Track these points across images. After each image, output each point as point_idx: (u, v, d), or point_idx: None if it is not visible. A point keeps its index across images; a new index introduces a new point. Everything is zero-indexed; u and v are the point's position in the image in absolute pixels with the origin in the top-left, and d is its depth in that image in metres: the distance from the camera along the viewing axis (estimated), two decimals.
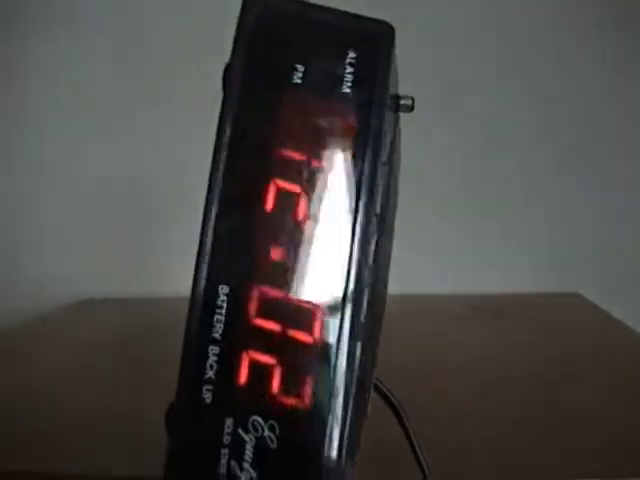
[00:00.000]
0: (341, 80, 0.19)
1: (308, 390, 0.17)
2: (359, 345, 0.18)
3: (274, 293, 0.18)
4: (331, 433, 0.17)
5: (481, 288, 0.75)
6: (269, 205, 0.18)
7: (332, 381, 0.17)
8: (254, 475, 0.17)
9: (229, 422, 0.17)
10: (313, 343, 0.18)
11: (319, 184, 0.18)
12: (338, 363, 0.17)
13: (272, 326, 0.18)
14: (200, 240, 0.18)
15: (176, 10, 0.76)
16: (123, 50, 0.77)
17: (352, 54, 0.19)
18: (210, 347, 0.18)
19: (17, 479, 0.35)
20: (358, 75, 0.19)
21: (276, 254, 0.18)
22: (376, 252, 0.19)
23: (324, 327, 0.18)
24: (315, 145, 0.18)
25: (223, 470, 0.17)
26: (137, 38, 0.77)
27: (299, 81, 0.19)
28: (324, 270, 0.18)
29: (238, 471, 0.17)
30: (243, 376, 0.17)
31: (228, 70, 0.19)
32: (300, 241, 0.18)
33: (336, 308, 0.18)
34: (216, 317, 0.18)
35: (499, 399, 0.44)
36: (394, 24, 0.20)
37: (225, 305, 0.18)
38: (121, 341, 0.62)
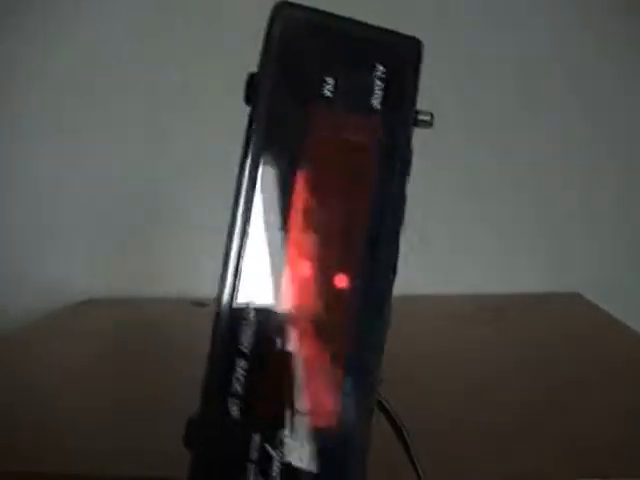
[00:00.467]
0: (371, 94, 0.18)
1: (336, 409, 0.17)
2: (382, 358, 0.18)
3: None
4: (358, 452, 0.17)
5: (481, 288, 0.75)
6: (299, 222, 0.18)
7: (360, 399, 0.17)
8: None
9: (256, 437, 0.17)
10: (341, 360, 0.18)
11: (345, 201, 0.18)
12: (360, 381, 0.18)
13: None
14: (225, 251, 0.18)
15: (183, 9, 0.76)
16: (128, 50, 0.77)
17: (381, 68, 0.19)
18: (237, 360, 0.17)
19: (17, 479, 0.35)
20: (387, 90, 0.19)
21: (303, 268, 0.18)
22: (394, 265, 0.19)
23: (353, 343, 0.18)
24: (343, 160, 0.18)
25: None
26: (145, 39, 0.77)
27: (330, 94, 0.18)
28: (352, 286, 0.18)
29: None
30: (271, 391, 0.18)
31: (256, 80, 0.19)
32: (327, 257, 0.18)
33: (363, 325, 0.18)
34: (243, 329, 0.18)
35: (499, 399, 0.44)
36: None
37: (253, 317, 0.18)
38: (121, 341, 0.62)
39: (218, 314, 0.18)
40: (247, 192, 0.18)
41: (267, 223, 0.18)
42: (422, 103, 0.20)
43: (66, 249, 0.79)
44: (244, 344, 0.17)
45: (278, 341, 0.18)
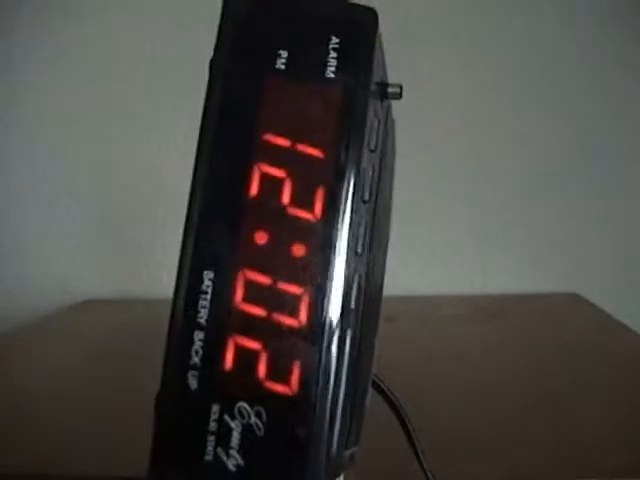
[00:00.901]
0: (325, 65, 0.19)
1: (295, 376, 0.17)
2: (349, 332, 0.18)
3: (259, 278, 0.18)
4: (319, 420, 0.17)
5: (482, 288, 0.75)
6: (254, 190, 0.18)
7: (321, 367, 0.17)
8: (241, 462, 0.17)
9: (215, 408, 0.17)
10: (300, 328, 0.17)
11: (304, 169, 0.18)
12: (327, 349, 0.17)
13: (258, 311, 0.17)
14: (185, 226, 0.18)
15: (172, 8, 0.76)
16: (118, 48, 0.77)
17: (335, 39, 0.19)
18: (195, 333, 0.17)
19: (17, 479, 0.35)
20: (342, 60, 0.19)
21: (261, 239, 0.18)
22: (367, 240, 0.19)
23: (311, 312, 0.17)
24: (299, 130, 0.18)
25: (210, 457, 0.17)
26: (135, 35, 0.77)
27: (282, 67, 0.19)
28: (310, 255, 0.18)
29: (225, 458, 0.17)
30: (229, 362, 0.17)
31: (212, 57, 0.19)
32: (285, 226, 0.18)
33: (323, 293, 0.17)
34: (201, 302, 0.18)
35: (499, 399, 0.44)
36: None
37: (210, 290, 0.18)
38: (121, 341, 0.62)
39: (177, 285, 0.18)
40: (206, 165, 0.18)
41: (224, 194, 0.18)
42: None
43: (66, 249, 0.79)
44: (201, 314, 0.17)
45: (234, 310, 0.17)
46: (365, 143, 0.19)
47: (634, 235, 0.74)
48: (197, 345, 0.17)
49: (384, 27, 0.20)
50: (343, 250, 0.18)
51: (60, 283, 0.79)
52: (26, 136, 0.79)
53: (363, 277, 0.19)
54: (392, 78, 0.22)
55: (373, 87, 0.19)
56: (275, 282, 0.18)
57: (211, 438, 0.17)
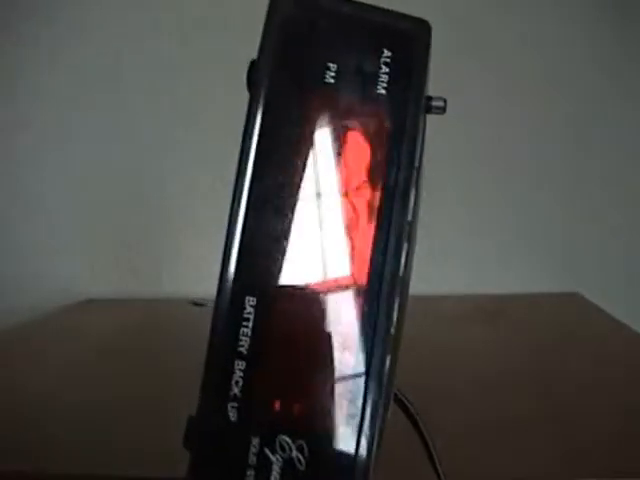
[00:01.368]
0: (375, 80, 0.18)
1: (338, 411, 0.17)
2: (388, 359, 0.17)
3: None
4: (361, 456, 0.16)
5: (481, 288, 0.75)
6: (303, 216, 0.17)
7: (363, 401, 0.17)
8: None
9: (255, 441, 0.16)
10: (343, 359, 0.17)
11: (351, 191, 0.17)
12: (369, 382, 0.17)
13: None
14: (224, 249, 0.17)
15: (178, 10, 0.76)
16: (124, 47, 0.77)
17: (387, 53, 0.18)
18: (236, 362, 0.17)
19: (18, 479, 0.35)
20: (393, 75, 0.18)
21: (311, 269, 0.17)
22: (406, 262, 0.18)
23: (354, 343, 0.17)
24: (347, 148, 0.17)
25: None
26: (139, 38, 0.77)
27: (332, 80, 0.17)
28: (351, 274, 0.17)
29: None
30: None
31: (255, 68, 0.18)
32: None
33: (368, 326, 0.17)
34: (242, 330, 0.17)
35: (499, 399, 0.43)
36: None
37: (252, 317, 0.17)
38: (121, 341, 0.62)
39: (216, 312, 0.17)
40: (247, 186, 0.17)
41: (268, 216, 0.17)
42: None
43: (66, 249, 0.79)
44: (243, 344, 0.17)
45: (277, 341, 0.17)
46: (415, 164, 0.18)
47: (634, 235, 0.74)
48: (238, 375, 0.17)
49: None
50: (388, 274, 0.17)
51: (60, 283, 0.79)
52: (26, 136, 0.79)
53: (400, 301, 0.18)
54: None
55: (423, 103, 0.18)
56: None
57: (250, 472, 0.16)
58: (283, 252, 0.17)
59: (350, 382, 0.17)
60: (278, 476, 0.16)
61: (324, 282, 0.17)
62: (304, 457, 0.16)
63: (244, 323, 0.17)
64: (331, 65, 0.18)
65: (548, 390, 0.45)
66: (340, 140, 0.17)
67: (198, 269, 0.75)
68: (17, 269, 0.80)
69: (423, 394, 0.43)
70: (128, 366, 0.54)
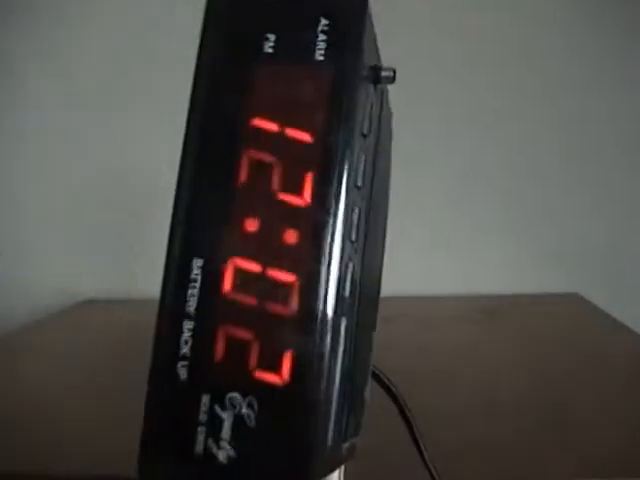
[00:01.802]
0: (314, 48, 0.18)
1: (287, 366, 0.17)
2: (343, 321, 0.17)
3: (250, 266, 0.17)
4: (313, 411, 0.16)
5: (481, 288, 0.75)
6: (243, 176, 0.18)
7: (313, 357, 0.17)
8: (232, 454, 0.16)
9: (205, 399, 0.17)
10: (292, 317, 0.17)
11: (293, 154, 0.18)
12: (319, 338, 0.17)
13: (248, 300, 0.17)
14: (173, 213, 0.18)
15: (166, 5, 0.76)
16: (114, 42, 0.77)
17: (324, 21, 0.18)
18: (184, 322, 0.17)
19: (17, 479, 0.35)
20: (331, 42, 0.18)
21: (251, 225, 0.17)
22: (362, 228, 0.18)
23: (303, 300, 0.17)
24: (288, 114, 0.18)
25: (200, 448, 0.17)
26: (133, 35, 0.77)
27: (271, 50, 0.18)
28: (302, 242, 0.17)
29: (215, 449, 0.16)
30: (219, 351, 0.17)
31: (199, 44, 0.19)
32: (276, 212, 0.17)
33: (316, 281, 0.17)
34: (190, 291, 0.17)
35: (498, 399, 0.44)
36: None
37: (199, 279, 0.17)
38: (121, 341, 0.62)
39: (165, 273, 0.17)
40: (194, 152, 0.18)
41: (212, 181, 0.18)
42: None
43: (66, 249, 0.79)
44: (190, 303, 0.17)
45: (225, 299, 0.17)
46: (357, 127, 0.18)
47: (635, 235, 0.74)
48: (186, 335, 0.17)
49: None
50: (336, 237, 0.17)
51: (60, 283, 0.79)
52: (25, 137, 0.79)
53: (358, 265, 0.18)
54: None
55: (365, 70, 0.19)
56: (266, 270, 0.17)
57: (201, 429, 0.17)
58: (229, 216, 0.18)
59: (300, 337, 0.17)
60: (228, 432, 0.16)
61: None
62: (254, 413, 0.16)
63: (192, 284, 0.17)
64: (269, 35, 0.18)
65: (547, 390, 0.45)
66: (282, 107, 0.18)
67: None
68: (17, 269, 0.80)
69: (422, 393, 0.43)
70: (128, 366, 0.53)
